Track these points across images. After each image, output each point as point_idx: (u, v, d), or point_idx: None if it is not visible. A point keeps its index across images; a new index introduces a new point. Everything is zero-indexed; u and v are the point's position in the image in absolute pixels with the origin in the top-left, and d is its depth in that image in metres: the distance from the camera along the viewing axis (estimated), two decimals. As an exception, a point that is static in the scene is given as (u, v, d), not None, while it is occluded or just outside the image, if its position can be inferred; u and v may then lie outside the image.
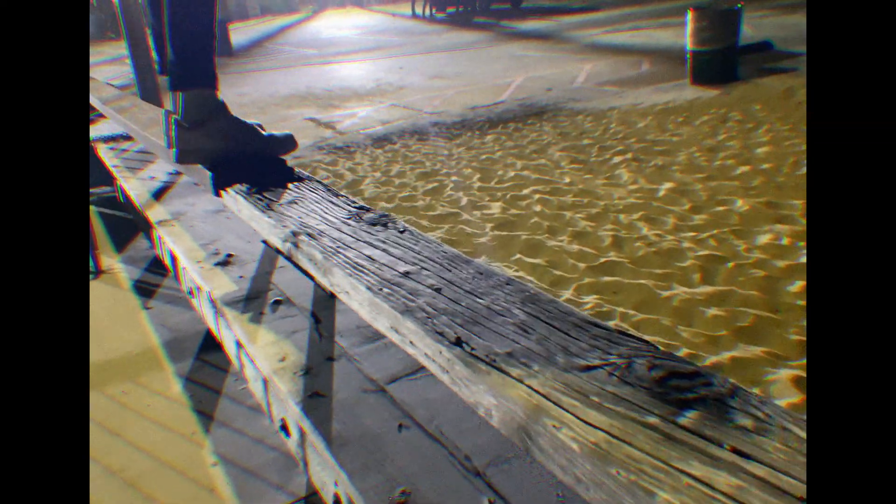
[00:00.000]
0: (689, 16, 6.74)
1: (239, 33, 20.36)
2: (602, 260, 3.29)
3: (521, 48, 11.92)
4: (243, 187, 1.29)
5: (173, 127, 1.47)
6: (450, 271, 1.05)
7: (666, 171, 4.59)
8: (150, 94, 5.77)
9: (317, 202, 1.17)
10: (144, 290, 3.17)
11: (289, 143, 1.55)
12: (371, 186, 4.84)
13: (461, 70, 9.98)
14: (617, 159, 4.95)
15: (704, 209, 3.83)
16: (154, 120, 2.17)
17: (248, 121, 1.51)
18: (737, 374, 2.23)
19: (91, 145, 3.04)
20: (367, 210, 1.17)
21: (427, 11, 23.11)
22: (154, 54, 1.70)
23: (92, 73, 6.82)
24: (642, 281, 2.97)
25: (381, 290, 1.01)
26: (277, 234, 1.17)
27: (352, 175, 5.17)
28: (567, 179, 4.66)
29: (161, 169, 2.09)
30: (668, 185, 4.29)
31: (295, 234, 1.11)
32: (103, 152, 2.73)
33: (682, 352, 2.38)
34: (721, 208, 3.81)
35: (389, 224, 1.13)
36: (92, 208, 4.08)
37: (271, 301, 1.43)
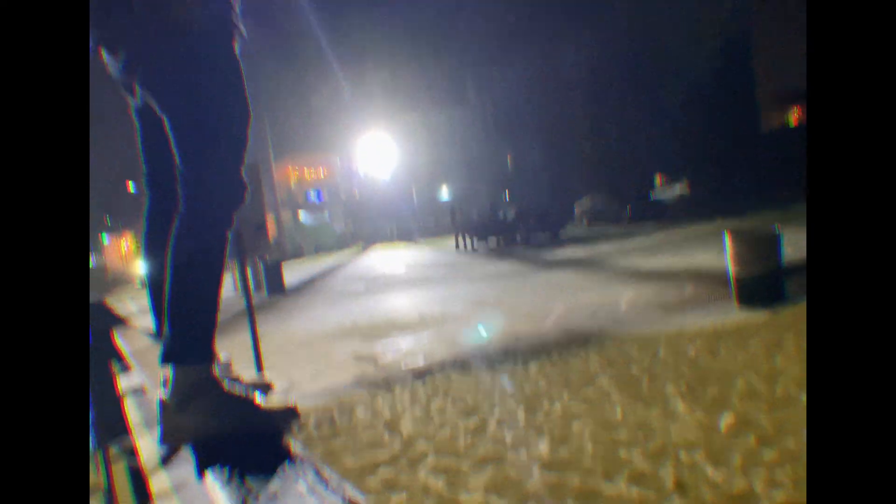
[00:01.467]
0: (728, 240, 6.79)
1: (292, 271, 21.44)
2: (666, 509, 2.92)
3: (562, 276, 12.15)
4: (224, 472, 1.14)
5: (157, 406, 1.36)
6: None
7: (724, 400, 4.28)
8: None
9: (304, 494, 1.01)
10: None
11: (289, 416, 1.44)
12: (410, 424, 4.61)
13: (503, 299, 10.11)
14: (670, 388, 4.67)
15: (774, 444, 3.48)
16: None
17: (239, 396, 1.39)
18: None
19: (119, 396, 2.98)
20: None
21: (469, 244, 24.27)
22: (152, 316, 1.64)
23: (146, 319, 7.06)
24: (715, 535, 2.59)
25: None
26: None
27: (390, 412, 4.97)
28: (619, 412, 4.37)
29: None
30: (729, 416, 3.97)
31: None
32: (129, 406, 2.65)
33: None
34: (792, 442, 3.46)
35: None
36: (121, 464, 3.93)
37: None
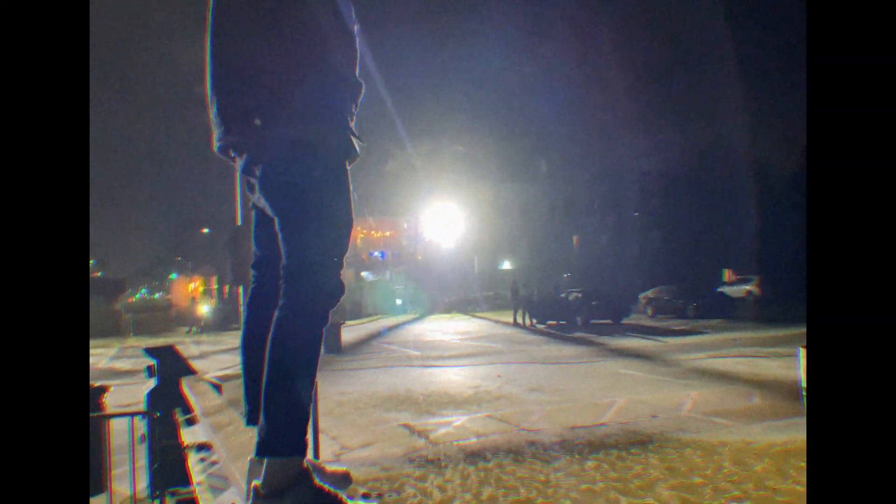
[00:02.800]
0: (801, 353, 6.53)
1: (350, 331, 21.58)
2: None
3: (623, 367, 11.83)
4: None
5: (251, 495, 1.37)
6: None
7: (794, 528, 4.04)
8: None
9: None
10: None
11: (343, 479, 1.44)
12: (460, 511, 4.51)
13: (560, 385, 9.88)
14: (735, 506, 4.45)
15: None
16: (242, 451, 2.09)
17: (329, 492, 1.39)
18: None
19: (183, 451, 3.01)
20: None
21: (528, 321, 23.98)
22: (244, 396, 1.67)
23: (208, 362, 7.20)
24: None
25: None
26: None
27: (440, 494, 4.88)
28: (678, 526, 4.18)
29: (240, 499, 1.97)
30: (800, 547, 3.74)
31: None
32: (193, 462, 2.67)
33: None
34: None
35: None
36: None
37: None
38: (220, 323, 29.95)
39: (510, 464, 5.63)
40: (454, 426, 7.25)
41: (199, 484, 2.58)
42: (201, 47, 1.78)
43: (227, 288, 45.53)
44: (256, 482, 1.36)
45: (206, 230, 53.73)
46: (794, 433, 6.26)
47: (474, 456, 5.91)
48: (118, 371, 14.04)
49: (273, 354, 1.43)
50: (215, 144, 1.65)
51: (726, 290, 31.11)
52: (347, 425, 7.47)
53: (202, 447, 3.08)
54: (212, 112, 1.67)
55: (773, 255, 34.16)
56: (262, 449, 1.38)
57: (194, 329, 28.60)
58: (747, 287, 33.54)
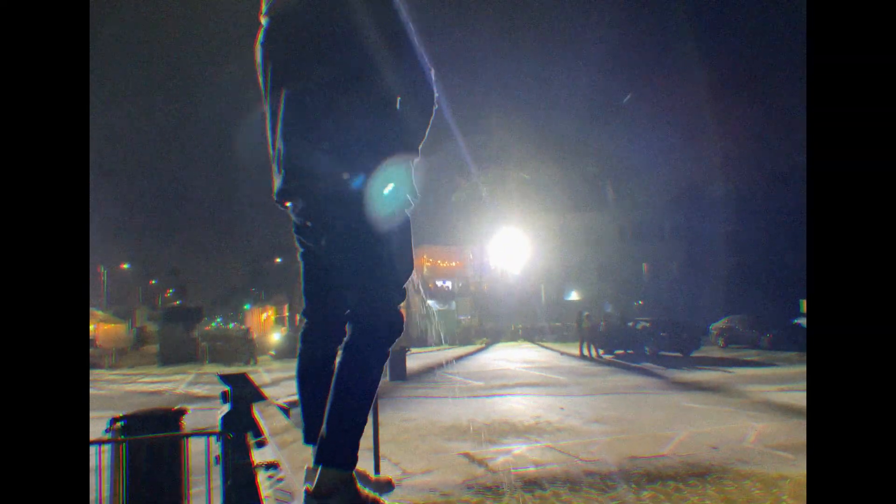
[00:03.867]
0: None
1: (415, 359, 21.84)
2: None
3: (688, 399, 11.67)
4: None
5: (303, 497, 1.61)
6: None
7: (849, 563, 4.00)
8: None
9: None
10: None
11: (386, 487, 1.65)
12: (513, 536, 4.65)
13: (623, 416, 9.86)
14: (790, 540, 4.43)
15: None
16: (304, 465, 2.37)
17: (369, 497, 1.62)
18: None
19: (253, 470, 3.28)
20: None
21: (594, 352, 23.73)
22: (301, 416, 1.92)
23: (279, 388, 7.56)
24: None
25: None
26: None
27: (496, 520, 5.02)
28: (730, 557, 4.20)
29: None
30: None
31: None
32: (261, 479, 2.94)
33: None
34: None
35: None
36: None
37: None
38: (291, 349, 30.77)
39: (566, 492, 5.73)
40: (513, 455, 7.37)
41: (266, 498, 2.86)
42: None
43: (297, 316, 46.79)
44: (308, 486, 1.61)
45: (279, 259, 55.36)
46: (860, 468, 6.12)
47: (531, 484, 6.03)
48: (194, 396, 14.71)
49: (339, 380, 1.67)
50: (278, 190, 1.87)
51: (803, 321, 29.95)
52: (409, 451, 7.69)
53: (270, 466, 3.37)
54: (278, 162, 1.85)
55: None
56: (319, 458, 1.62)
57: (251, 360, 29.34)
58: (826, 317, 32.22)
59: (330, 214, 1.73)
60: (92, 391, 17.26)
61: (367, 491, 1.65)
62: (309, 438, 1.86)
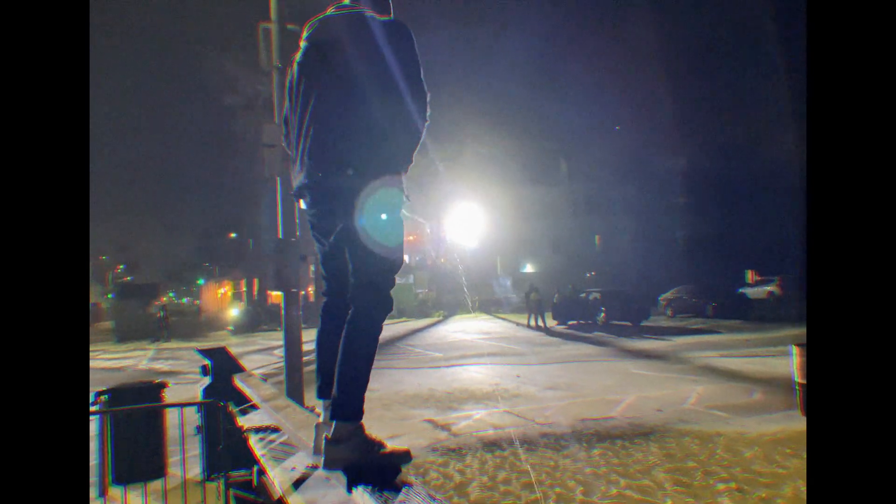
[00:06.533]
0: (794, 351, 7.06)
1: (374, 332, 22.03)
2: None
3: (636, 366, 12.35)
4: (368, 487, 1.74)
5: (323, 442, 2.01)
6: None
7: (770, 503, 4.60)
8: (295, 388, 6.62)
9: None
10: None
11: (405, 457, 2.04)
12: (477, 490, 5.12)
13: (575, 382, 10.45)
14: (720, 486, 5.01)
15: (805, 547, 3.81)
16: (304, 422, 2.78)
17: (375, 440, 2.03)
18: None
19: (243, 434, 3.65)
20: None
21: (541, 323, 24.44)
22: (316, 375, 2.30)
23: (245, 361, 7.90)
24: None
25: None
26: (388, 522, 1.58)
27: (460, 477, 5.49)
28: (669, 502, 4.75)
29: (300, 462, 2.59)
30: (770, 518, 4.30)
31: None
32: (253, 441, 3.30)
33: None
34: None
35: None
36: (230, 491, 4.62)
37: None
38: (249, 324, 30.86)
39: (524, 452, 6.24)
40: (474, 419, 7.87)
41: (262, 456, 3.22)
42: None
43: (255, 292, 46.70)
44: (327, 434, 2.01)
45: (233, 235, 54.81)
46: (785, 424, 6.79)
47: (491, 445, 6.52)
48: (158, 372, 14.86)
49: (345, 345, 2.07)
50: (297, 185, 2.23)
51: (748, 291, 31.23)
52: (375, 419, 8.11)
53: (261, 430, 3.73)
54: (302, 159, 2.20)
55: (796, 255, 34.19)
56: (333, 414, 2.02)
57: (231, 327, 29.15)
58: (769, 288, 33.65)
59: (340, 213, 2.11)
60: (51, 368, 17.17)
61: (374, 435, 2.06)
62: (321, 394, 2.24)
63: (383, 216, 2.08)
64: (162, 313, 29.23)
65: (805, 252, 1.48)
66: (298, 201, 2.34)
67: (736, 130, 44.56)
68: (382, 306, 2.13)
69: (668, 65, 49.95)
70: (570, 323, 25.35)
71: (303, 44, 2.29)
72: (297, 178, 2.23)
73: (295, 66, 2.31)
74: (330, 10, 2.26)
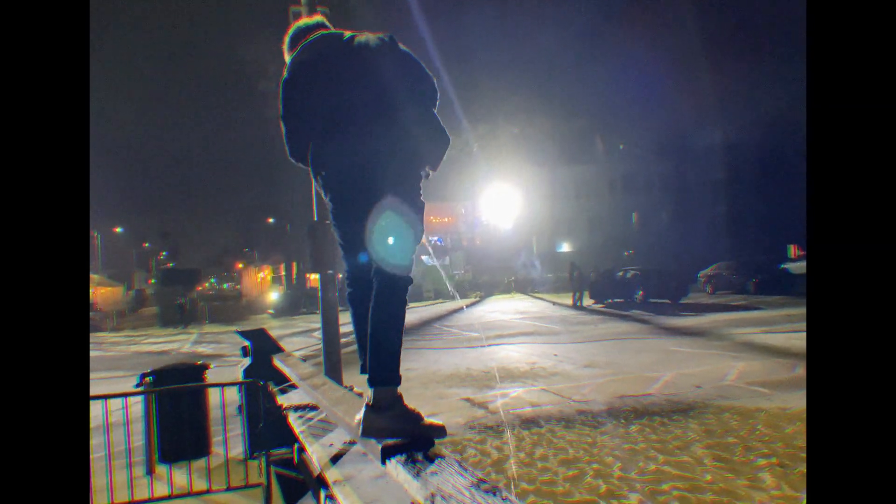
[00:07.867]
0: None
1: (413, 313, 22.33)
2: (733, 562, 3.30)
3: (675, 343, 12.22)
4: (402, 458, 1.77)
5: (363, 408, 2.05)
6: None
7: (812, 478, 4.52)
8: (333, 368, 6.71)
9: (451, 475, 1.61)
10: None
11: (440, 431, 2.06)
12: (514, 466, 5.15)
13: (613, 360, 10.40)
14: (761, 461, 4.95)
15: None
16: (340, 399, 2.82)
17: (414, 411, 2.07)
18: None
19: (283, 413, 3.72)
20: (485, 482, 1.58)
21: (584, 302, 24.30)
22: (358, 354, 2.35)
23: (285, 343, 8.05)
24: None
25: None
26: (422, 494, 1.59)
27: (498, 454, 5.52)
28: (708, 477, 4.72)
29: (338, 438, 2.64)
30: (813, 493, 4.23)
31: (433, 494, 1.54)
32: (293, 419, 3.36)
33: None
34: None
35: (497, 493, 1.52)
36: (272, 469, 4.72)
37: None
38: (289, 308, 31.33)
39: (561, 429, 6.24)
40: (511, 397, 7.89)
41: (301, 433, 3.29)
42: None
43: (294, 276, 47.37)
44: (368, 401, 2.05)
45: (271, 220, 55.56)
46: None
47: (528, 422, 6.54)
48: (201, 355, 15.21)
49: (374, 318, 2.11)
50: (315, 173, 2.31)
51: (790, 266, 30.56)
52: (413, 398, 8.12)
53: (300, 408, 3.80)
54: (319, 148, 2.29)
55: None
56: (372, 382, 2.06)
57: (271, 311, 29.56)
58: (812, 262, 32.87)
59: (376, 239, 2.17)
60: (100, 353, 17.74)
61: (412, 406, 2.09)
62: (363, 370, 2.29)
63: (418, 204, 2.18)
64: (183, 300, 29.77)
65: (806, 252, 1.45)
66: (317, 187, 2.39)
67: (777, 103, 43.40)
68: (402, 282, 2.19)
69: (707, 37, 48.78)
70: (608, 301, 25.16)
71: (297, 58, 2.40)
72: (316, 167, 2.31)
73: (296, 65, 2.38)
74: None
